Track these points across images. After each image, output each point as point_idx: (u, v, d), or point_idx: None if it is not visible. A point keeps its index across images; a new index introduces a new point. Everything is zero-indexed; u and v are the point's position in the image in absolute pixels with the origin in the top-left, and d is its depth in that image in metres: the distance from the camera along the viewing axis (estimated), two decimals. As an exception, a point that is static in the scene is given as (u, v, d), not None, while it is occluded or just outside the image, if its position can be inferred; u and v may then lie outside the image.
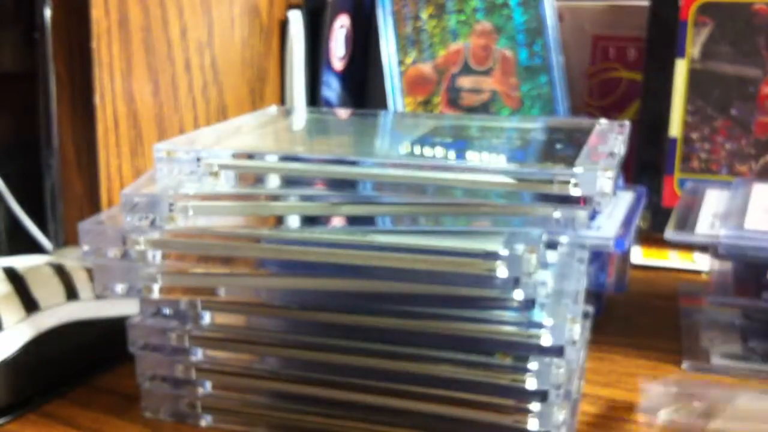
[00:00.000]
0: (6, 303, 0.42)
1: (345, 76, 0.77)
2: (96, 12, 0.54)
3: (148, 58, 0.58)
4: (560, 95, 0.70)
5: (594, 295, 0.50)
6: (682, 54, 0.67)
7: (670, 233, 0.48)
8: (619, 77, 0.75)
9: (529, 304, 0.34)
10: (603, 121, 0.44)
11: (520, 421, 0.35)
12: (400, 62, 0.75)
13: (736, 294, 0.49)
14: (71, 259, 0.48)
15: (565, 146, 0.41)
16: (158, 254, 0.38)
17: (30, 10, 0.54)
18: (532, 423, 0.35)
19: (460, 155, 0.40)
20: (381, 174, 0.36)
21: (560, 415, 0.35)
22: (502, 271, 0.33)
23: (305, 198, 0.37)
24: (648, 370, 0.46)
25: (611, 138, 0.40)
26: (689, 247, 0.65)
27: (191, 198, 0.37)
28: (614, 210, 0.53)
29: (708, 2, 0.66)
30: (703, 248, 0.62)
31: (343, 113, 0.61)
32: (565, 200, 0.34)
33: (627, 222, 0.51)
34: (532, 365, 0.35)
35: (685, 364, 0.46)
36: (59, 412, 0.42)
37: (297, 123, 0.50)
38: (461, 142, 0.43)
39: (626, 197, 0.56)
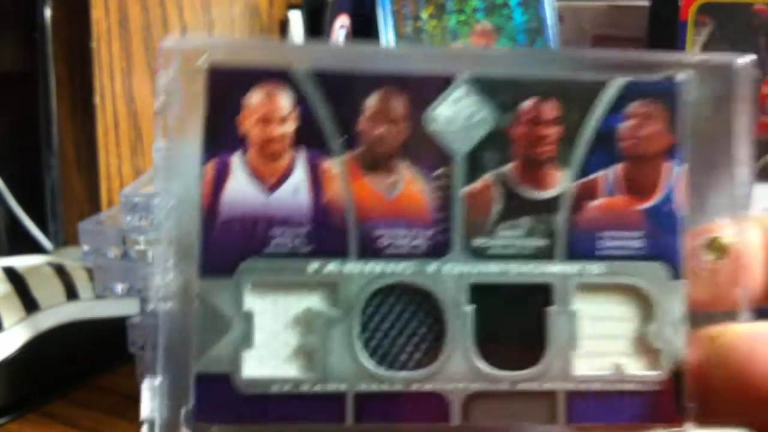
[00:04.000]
0: (6, 303, 0.42)
1: (345, 76, 0.77)
2: (96, 12, 0.54)
3: (148, 58, 0.58)
4: (560, 95, 0.70)
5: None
6: (682, 54, 0.66)
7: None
8: (619, 77, 0.75)
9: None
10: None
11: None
12: (400, 62, 0.74)
13: None
14: (71, 259, 0.48)
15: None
16: (158, 254, 0.38)
17: (30, 10, 0.54)
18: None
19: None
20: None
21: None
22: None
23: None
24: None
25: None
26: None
27: (191, 198, 0.37)
28: (614, 210, 0.52)
29: (708, 2, 0.66)
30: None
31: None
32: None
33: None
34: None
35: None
36: (59, 412, 0.42)
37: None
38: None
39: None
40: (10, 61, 0.57)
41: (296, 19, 0.72)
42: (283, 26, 0.73)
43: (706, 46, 0.66)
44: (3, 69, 0.57)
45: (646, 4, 0.69)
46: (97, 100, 0.55)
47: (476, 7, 0.72)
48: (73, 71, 0.55)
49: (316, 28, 0.73)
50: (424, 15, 0.73)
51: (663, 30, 0.68)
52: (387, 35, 0.75)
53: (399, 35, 0.74)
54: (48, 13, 0.54)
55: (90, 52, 0.54)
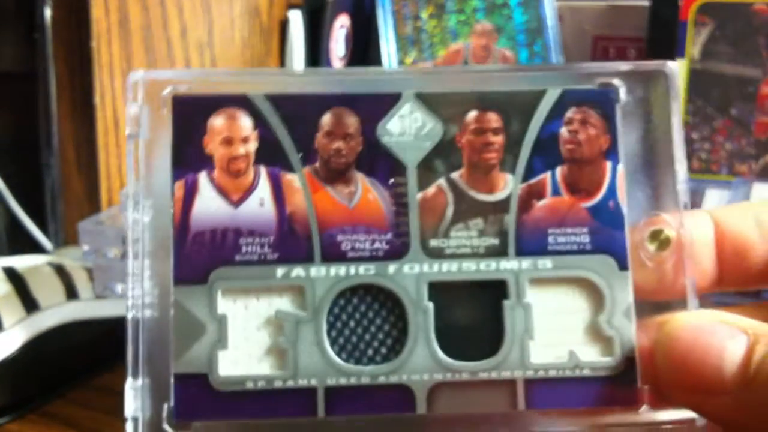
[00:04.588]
0: (6, 303, 0.42)
1: (345, 76, 0.77)
2: (96, 12, 0.54)
3: (148, 58, 0.58)
4: (560, 95, 0.70)
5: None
6: (682, 54, 0.67)
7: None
8: (619, 77, 0.75)
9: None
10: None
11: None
12: (400, 62, 0.75)
13: (736, 293, 0.49)
14: (71, 259, 0.48)
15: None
16: (158, 254, 0.38)
17: (30, 10, 0.54)
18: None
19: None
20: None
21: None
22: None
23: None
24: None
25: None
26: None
27: (191, 198, 0.37)
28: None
29: (708, 2, 0.66)
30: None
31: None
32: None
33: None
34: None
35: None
36: (59, 412, 0.42)
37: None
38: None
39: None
40: (10, 61, 0.57)
41: (296, 19, 0.72)
42: (283, 26, 0.73)
43: (706, 46, 0.66)
44: (3, 69, 0.57)
45: (646, 4, 0.69)
46: (97, 100, 0.55)
47: (476, 7, 0.72)
48: (73, 71, 0.55)
49: (316, 28, 0.73)
50: (424, 15, 0.74)
51: (663, 30, 0.68)
52: (387, 35, 0.75)
53: (399, 35, 0.74)
54: (48, 13, 0.54)
55: (90, 52, 0.54)
